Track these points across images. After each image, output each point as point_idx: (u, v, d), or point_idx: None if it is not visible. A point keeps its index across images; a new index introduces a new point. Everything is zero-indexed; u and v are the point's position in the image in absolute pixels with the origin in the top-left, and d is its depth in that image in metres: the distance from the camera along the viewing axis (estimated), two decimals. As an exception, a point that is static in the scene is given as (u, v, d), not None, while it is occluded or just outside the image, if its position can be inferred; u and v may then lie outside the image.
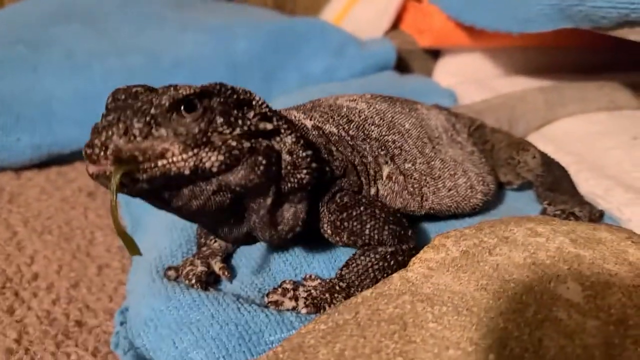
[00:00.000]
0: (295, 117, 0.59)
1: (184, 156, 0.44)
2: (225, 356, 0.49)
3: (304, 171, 0.51)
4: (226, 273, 0.59)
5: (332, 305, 0.53)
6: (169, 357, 0.50)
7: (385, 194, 0.61)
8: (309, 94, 1.09)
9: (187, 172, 0.44)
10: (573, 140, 0.89)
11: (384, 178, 0.61)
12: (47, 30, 1.13)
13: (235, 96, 0.50)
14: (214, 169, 0.45)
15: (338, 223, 0.56)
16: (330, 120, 0.60)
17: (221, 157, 0.45)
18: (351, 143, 0.60)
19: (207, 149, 0.45)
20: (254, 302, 0.55)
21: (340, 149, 0.58)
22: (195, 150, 0.45)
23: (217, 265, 0.60)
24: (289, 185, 0.51)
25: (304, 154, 0.51)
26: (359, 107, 0.64)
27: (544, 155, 0.74)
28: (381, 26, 1.28)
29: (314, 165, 0.52)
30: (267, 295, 0.55)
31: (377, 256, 0.53)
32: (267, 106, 0.52)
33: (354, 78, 1.13)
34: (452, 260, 0.51)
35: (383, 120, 0.64)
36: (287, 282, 0.56)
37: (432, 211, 0.63)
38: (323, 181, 0.55)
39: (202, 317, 0.52)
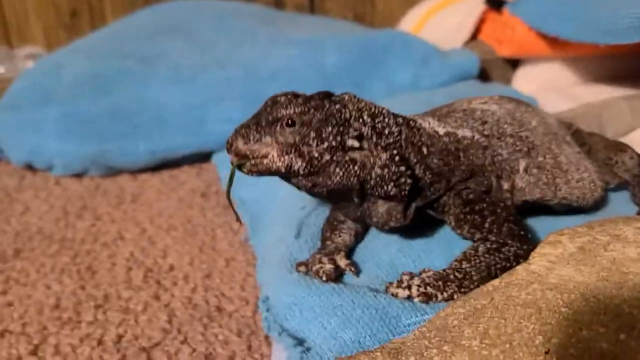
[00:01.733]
0: (429, 124, 0.65)
1: (280, 159, 0.58)
2: (371, 335, 0.56)
3: (391, 184, 0.61)
4: (353, 269, 0.66)
5: (444, 294, 0.59)
6: (320, 336, 0.57)
7: (524, 185, 0.67)
8: (397, 101, 1.16)
9: (283, 170, 0.59)
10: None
11: (521, 171, 0.67)
12: (152, 45, 1.23)
13: (340, 114, 0.60)
14: (302, 171, 0.59)
15: (462, 216, 0.63)
16: (465, 124, 0.67)
17: (304, 164, 0.58)
18: (485, 144, 0.66)
19: (297, 156, 0.58)
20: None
21: (469, 153, 0.65)
22: (288, 156, 0.58)
23: (342, 262, 0.67)
24: (376, 193, 0.61)
25: (396, 170, 0.60)
26: (491, 109, 0.71)
27: (641, 156, 0.79)
28: (460, 37, 1.33)
29: (403, 180, 0.61)
30: (386, 288, 0.61)
31: (502, 256, 0.59)
32: (379, 123, 0.61)
33: (439, 87, 1.19)
34: (571, 255, 0.57)
35: (514, 119, 0.70)
36: (405, 273, 0.62)
37: (564, 200, 0.69)
38: (421, 192, 0.63)
39: (344, 302, 0.59)
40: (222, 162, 1.07)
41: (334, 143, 0.59)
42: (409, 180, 0.61)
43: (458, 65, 1.22)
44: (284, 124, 0.59)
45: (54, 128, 1.07)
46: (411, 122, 0.64)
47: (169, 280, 0.78)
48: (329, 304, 0.60)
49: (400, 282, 0.61)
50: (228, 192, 0.61)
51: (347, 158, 0.59)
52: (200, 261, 0.82)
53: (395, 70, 1.21)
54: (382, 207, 0.63)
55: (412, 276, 0.61)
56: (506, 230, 0.61)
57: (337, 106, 0.60)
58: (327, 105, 0.60)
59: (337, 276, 0.66)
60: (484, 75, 1.28)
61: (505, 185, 0.66)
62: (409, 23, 1.52)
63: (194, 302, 0.73)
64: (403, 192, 0.61)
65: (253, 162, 0.59)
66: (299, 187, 0.62)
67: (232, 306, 0.73)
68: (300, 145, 0.58)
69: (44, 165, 1.09)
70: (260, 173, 0.60)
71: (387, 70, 1.21)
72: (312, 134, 0.59)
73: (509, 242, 0.60)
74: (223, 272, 0.80)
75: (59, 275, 0.80)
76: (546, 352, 0.46)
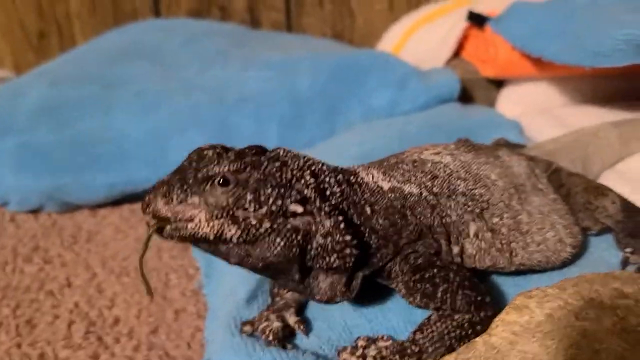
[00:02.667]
0: (373, 177, 0.59)
1: (209, 224, 0.50)
2: None
3: (334, 255, 0.53)
4: (302, 327, 0.60)
5: None
6: None
7: (474, 252, 0.60)
8: (372, 128, 1.10)
9: (211, 237, 0.51)
10: (650, 180, 0.86)
11: (471, 236, 0.60)
12: (117, 69, 1.17)
13: (280, 173, 0.53)
14: (234, 240, 0.51)
15: (411, 284, 0.56)
16: (412, 179, 0.60)
17: (239, 232, 0.50)
18: (433, 202, 0.59)
19: (229, 222, 0.50)
20: (331, 360, 0.56)
21: (416, 212, 0.58)
22: (219, 221, 0.50)
23: (291, 319, 0.61)
24: (317, 265, 0.54)
25: (341, 239, 0.53)
26: (443, 161, 0.64)
27: (623, 200, 0.72)
28: (442, 55, 1.27)
29: (348, 251, 0.53)
30: (338, 354, 0.55)
31: (454, 324, 0.53)
32: (321, 184, 0.55)
33: (417, 111, 1.13)
34: (537, 325, 0.51)
35: (469, 174, 0.63)
36: (361, 338, 0.56)
37: (522, 267, 0.62)
38: (368, 259, 0.56)
39: None
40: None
41: (273, 208, 0.52)
42: (354, 251, 0.54)
43: (438, 86, 1.16)
44: (216, 182, 0.51)
45: (10, 161, 1.01)
46: (352, 178, 0.58)
47: (112, 336, 0.72)
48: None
49: (354, 348, 0.55)
50: (141, 260, 0.52)
51: (288, 226, 0.52)
52: (148, 313, 0.76)
53: (372, 93, 1.15)
54: (323, 282, 0.56)
55: (368, 343, 0.55)
56: (461, 298, 0.54)
57: (277, 164, 0.53)
58: (265, 163, 0.53)
59: (285, 336, 0.60)
60: (466, 96, 1.21)
61: (455, 250, 0.60)
62: (391, 40, 1.45)
63: (135, 363, 0.67)
64: (347, 264, 0.54)
65: (175, 225, 0.51)
66: (226, 258, 0.53)
67: (176, 368, 0.67)
68: (235, 209, 0.51)
69: (-1, 202, 1.03)
70: (183, 239, 0.52)
71: (364, 93, 1.15)
72: (249, 197, 0.51)
73: (460, 307, 0.53)
74: (171, 326, 0.74)
75: (-5, 329, 0.74)
76: None
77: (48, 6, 1.39)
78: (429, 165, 0.64)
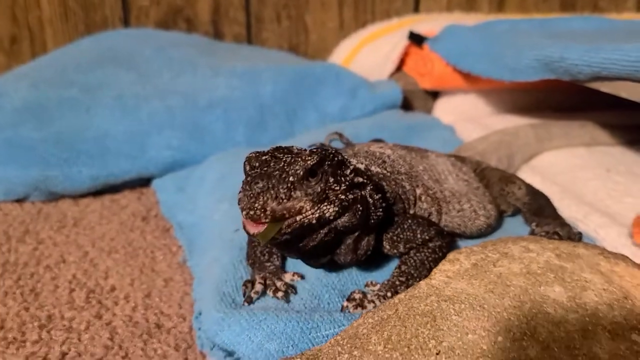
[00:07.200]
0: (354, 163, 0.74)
1: (312, 210, 0.60)
2: (293, 346, 0.63)
3: (380, 210, 0.69)
4: (298, 277, 0.74)
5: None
6: (247, 348, 0.64)
7: (421, 212, 0.78)
8: (329, 130, 1.24)
9: (314, 222, 0.61)
10: (557, 172, 1.05)
11: (418, 199, 0.78)
12: (95, 74, 1.28)
13: (336, 159, 0.66)
14: (331, 217, 0.62)
15: (395, 237, 0.73)
16: (372, 163, 0.77)
17: (335, 208, 0.62)
18: (392, 177, 0.76)
19: (326, 203, 0.62)
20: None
21: (386, 183, 0.74)
22: (319, 205, 0.61)
23: (287, 276, 0.75)
24: (372, 221, 0.69)
25: (378, 197, 0.69)
26: (386, 152, 0.81)
27: (528, 186, 0.90)
28: (386, 69, 1.44)
29: (384, 204, 0.69)
30: (342, 308, 0.68)
31: (429, 251, 0.71)
32: (349, 162, 0.69)
33: (365, 117, 1.29)
34: (465, 271, 0.67)
35: (405, 162, 0.81)
36: (356, 291, 0.69)
37: (446, 228, 0.79)
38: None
39: (268, 316, 0.66)
40: (162, 187, 1.14)
41: (348, 182, 0.64)
42: (384, 204, 0.69)
43: (383, 96, 1.32)
44: (307, 175, 0.61)
45: None
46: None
47: (111, 300, 0.83)
48: (255, 319, 0.67)
49: (352, 299, 0.68)
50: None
51: (360, 194, 0.65)
52: (140, 282, 0.88)
53: (326, 100, 1.30)
54: (364, 240, 0.70)
55: (363, 294, 0.69)
56: (432, 231, 0.72)
57: (331, 154, 0.65)
58: (327, 155, 0.64)
59: (286, 291, 0.71)
60: (407, 105, 1.39)
61: (411, 211, 0.76)
62: (342, 54, 1.62)
63: (135, 320, 0.79)
64: (379, 219, 0.69)
65: (289, 221, 0.59)
66: (297, 249, 0.64)
67: (171, 323, 0.79)
68: (327, 191, 0.62)
69: (-16, 191, 1.11)
70: (293, 232, 0.60)
71: (319, 100, 1.30)
72: (332, 179, 0.63)
73: (434, 237, 0.71)
74: (162, 291, 0.85)
75: (2, 297, 0.83)
76: (437, 353, 0.55)
77: (21, 12, 1.47)
78: (377, 154, 0.81)
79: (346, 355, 0.57)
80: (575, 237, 0.82)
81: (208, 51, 1.44)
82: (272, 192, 0.58)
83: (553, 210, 0.88)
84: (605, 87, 0.93)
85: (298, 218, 0.60)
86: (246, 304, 0.71)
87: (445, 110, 1.38)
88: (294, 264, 0.78)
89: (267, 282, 0.73)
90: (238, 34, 1.60)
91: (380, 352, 0.56)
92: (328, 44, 1.65)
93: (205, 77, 1.30)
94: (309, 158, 0.61)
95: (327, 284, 0.74)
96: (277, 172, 0.60)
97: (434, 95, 1.41)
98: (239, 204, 0.59)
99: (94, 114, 1.18)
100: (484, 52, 1.20)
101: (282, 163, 0.61)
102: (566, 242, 0.73)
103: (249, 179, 0.60)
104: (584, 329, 0.57)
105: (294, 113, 1.28)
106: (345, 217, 0.64)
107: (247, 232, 0.60)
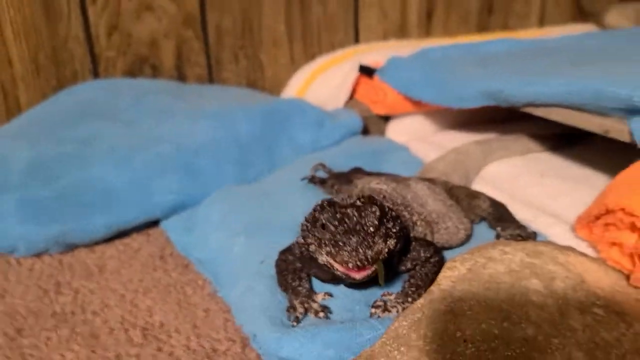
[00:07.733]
0: None
1: (386, 245, 0.79)
2: (347, 350, 0.79)
3: (402, 238, 0.89)
4: (328, 296, 0.91)
5: (414, 301, 0.86)
6: (312, 357, 0.80)
7: (419, 234, 0.98)
8: (304, 161, 1.42)
9: (386, 253, 0.80)
10: (502, 181, 1.28)
11: (415, 223, 0.97)
12: (83, 129, 1.37)
13: (385, 207, 0.86)
14: (395, 247, 0.82)
15: (403, 257, 0.92)
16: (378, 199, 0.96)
17: (394, 241, 0.82)
18: (395, 209, 0.95)
19: (390, 239, 0.81)
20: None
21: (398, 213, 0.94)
22: (387, 241, 0.80)
23: (319, 297, 0.91)
24: (398, 247, 0.87)
25: (399, 227, 0.87)
26: (383, 188, 1.01)
27: (490, 198, 1.13)
28: (341, 98, 1.63)
29: (405, 230, 0.89)
30: (371, 314, 0.86)
31: (431, 265, 0.91)
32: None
33: (333, 145, 1.48)
34: (464, 275, 0.87)
35: (398, 194, 1.01)
36: (378, 300, 0.87)
37: (437, 244, 0.99)
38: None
39: (320, 330, 0.81)
40: (171, 228, 1.27)
41: (398, 222, 0.85)
42: (404, 231, 0.89)
43: (346, 124, 1.51)
44: (376, 223, 0.79)
45: (13, 214, 1.17)
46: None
47: (164, 334, 0.97)
48: (309, 333, 0.83)
49: (378, 306, 0.87)
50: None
51: (399, 227, 0.85)
52: (183, 315, 1.02)
53: (297, 133, 1.47)
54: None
55: (384, 302, 0.87)
56: (432, 250, 0.92)
57: (379, 205, 0.83)
58: (374, 199, 0.84)
59: (323, 310, 0.88)
60: (364, 130, 1.59)
61: (412, 235, 0.96)
62: (294, 86, 1.79)
63: (192, 347, 0.93)
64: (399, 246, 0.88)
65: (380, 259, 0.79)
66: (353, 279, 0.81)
67: (223, 346, 0.94)
68: (391, 231, 0.82)
69: (7, 250, 1.20)
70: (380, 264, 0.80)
71: (290, 134, 1.46)
72: (390, 223, 0.83)
73: (434, 255, 0.91)
74: (204, 321, 1.00)
75: (66, 344, 0.95)
76: (464, 341, 0.75)
77: (-6, 70, 1.54)
78: (377, 190, 1.00)
79: (396, 352, 0.76)
80: (532, 236, 1.05)
81: (178, 95, 1.56)
82: (365, 243, 0.76)
83: (510, 215, 1.11)
84: (538, 112, 1.17)
85: (380, 256, 0.80)
86: (294, 324, 0.87)
87: (397, 131, 1.58)
88: (318, 285, 0.96)
89: (306, 305, 0.89)
90: (200, 75, 1.73)
91: (421, 346, 0.76)
92: (282, 78, 1.82)
93: (185, 123, 1.41)
94: (374, 209, 0.81)
95: (353, 299, 0.92)
96: (358, 226, 0.78)
97: (386, 118, 1.61)
98: (336, 258, 0.78)
99: (92, 167, 1.28)
100: (428, 82, 1.41)
101: (355, 218, 0.79)
102: (530, 242, 0.95)
103: (337, 237, 0.78)
104: (560, 309, 0.79)
105: (270, 148, 1.43)
106: (398, 246, 0.85)
107: (354, 279, 0.79)
